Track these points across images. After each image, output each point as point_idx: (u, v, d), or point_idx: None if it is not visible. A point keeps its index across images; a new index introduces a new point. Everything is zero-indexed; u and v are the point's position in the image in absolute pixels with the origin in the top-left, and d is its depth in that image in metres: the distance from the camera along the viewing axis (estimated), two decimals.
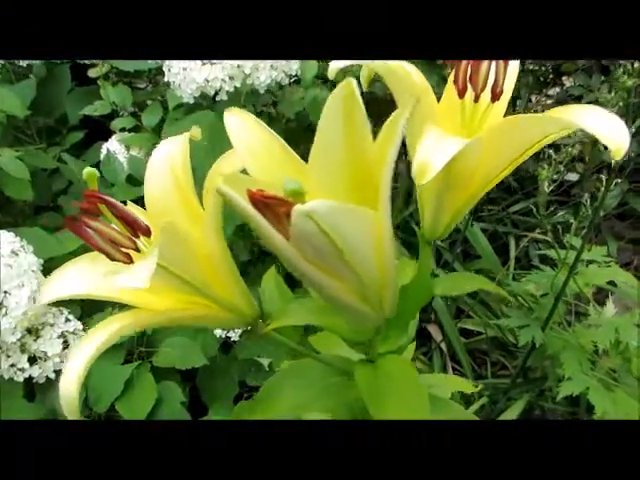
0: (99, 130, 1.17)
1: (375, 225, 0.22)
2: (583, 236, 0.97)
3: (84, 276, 0.32)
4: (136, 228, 0.32)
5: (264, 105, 1.09)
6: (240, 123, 0.27)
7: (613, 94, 0.69)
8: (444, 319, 1.17)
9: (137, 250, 0.32)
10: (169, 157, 0.36)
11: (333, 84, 1.04)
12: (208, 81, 0.80)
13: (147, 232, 0.33)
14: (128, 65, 1.06)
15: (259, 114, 1.08)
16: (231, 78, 0.81)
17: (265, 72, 0.81)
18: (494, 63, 0.34)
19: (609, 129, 0.29)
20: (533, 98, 1.45)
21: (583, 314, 1.19)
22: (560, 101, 1.46)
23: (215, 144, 0.96)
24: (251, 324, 0.37)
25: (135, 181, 1.04)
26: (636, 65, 0.66)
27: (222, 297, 0.34)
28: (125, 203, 0.39)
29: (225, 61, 0.79)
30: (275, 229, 0.21)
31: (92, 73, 1.09)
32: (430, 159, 0.26)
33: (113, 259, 0.32)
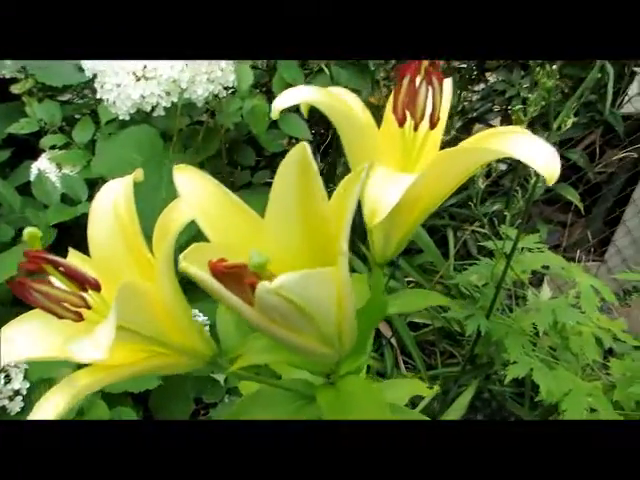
0: (25, 148, 1.12)
1: (335, 281, 0.23)
2: (518, 226, 1.01)
3: (36, 338, 0.31)
4: (85, 283, 0.32)
5: (201, 115, 1.07)
6: (191, 182, 0.26)
7: (535, 94, 0.72)
8: (393, 315, 1.19)
9: (88, 307, 0.31)
10: (112, 200, 0.35)
11: (270, 93, 1.04)
12: (144, 97, 0.78)
13: (97, 287, 0.32)
14: (56, 80, 1.02)
15: (197, 124, 1.06)
16: (167, 93, 0.79)
17: (202, 85, 0.79)
18: (430, 90, 0.35)
19: (544, 160, 0.30)
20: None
21: (522, 298, 1.26)
22: (485, 96, 1.52)
23: (150, 158, 0.94)
24: (211, 363, 0.37)
25: (70, 201, 1.00)
26: (554, 67, 0.70)
27: (180, 342, 0.34)
28: (66, 250, 0.38)
29: (161, 75, 0.77)
30: (239, 297, 0.21)
31: (15, 89, 1.03)
32: (380, 201, 0.27)
33: (62, 318, 0.31)
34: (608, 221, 1.71)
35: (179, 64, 0.78)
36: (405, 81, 0.34)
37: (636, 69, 1.45)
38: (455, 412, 1.16)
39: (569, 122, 0.80)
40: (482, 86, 1.51)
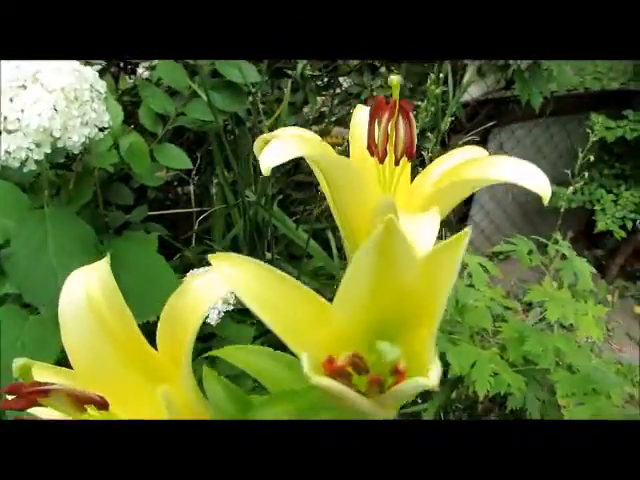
0: None
1: None
2: None
3: None
4: (89, 404, 0.27)
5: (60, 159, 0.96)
6: (243, 274, 0.23)
7: (426, 102, 0.76)
8: None
9: None
10: (85, 295, 0.30)
11: (142, 129, 0.97)
12: (9, 153, 0.68)
13: (105, 406, 0.27)
14: None
15: (57, 169, 0.96)
16: (38, 145, 0.69)
17: (76, 131, 0.71)
18: (403, 124, 0.35)
19: (536, 180, 0.32)
20: (320, 100, 1.54)
21: None
22: (342, 100, 1.58)
23: (23, 218, 0.82)
24: None
25: None
26: (441, 75, 0.74)
27: None
28: None
29: (27, 126, 0.67)
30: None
31: None
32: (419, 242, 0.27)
33: None
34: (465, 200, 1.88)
35: (47, 111, 0.69)
36: (384, 120, 0.33)
37: (467, 61, 1.60)
38: None
39: (448, 119, 0.86)
40: (338, 91, 1.56)
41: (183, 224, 1.47)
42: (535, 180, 0.32)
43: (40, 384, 0.25)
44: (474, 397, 1.65)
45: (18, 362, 0.24)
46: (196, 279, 0.27)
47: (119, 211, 1.12)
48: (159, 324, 0.29)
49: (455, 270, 0.21)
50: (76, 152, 0.76)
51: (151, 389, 0.30)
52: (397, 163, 0.35)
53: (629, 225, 1.96)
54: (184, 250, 1.35)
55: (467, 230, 0.22)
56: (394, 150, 0.34)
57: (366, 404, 0.20)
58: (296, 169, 1.66)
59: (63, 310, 0.30)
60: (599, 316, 1.36)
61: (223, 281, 0.26)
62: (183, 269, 1.08)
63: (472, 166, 0.34)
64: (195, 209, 1.39)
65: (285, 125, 1.52)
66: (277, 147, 0.30)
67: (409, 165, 0.38)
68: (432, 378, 0.18)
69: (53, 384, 0.26)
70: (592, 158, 1.25)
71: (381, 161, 0.35)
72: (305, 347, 0.23)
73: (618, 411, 1.24)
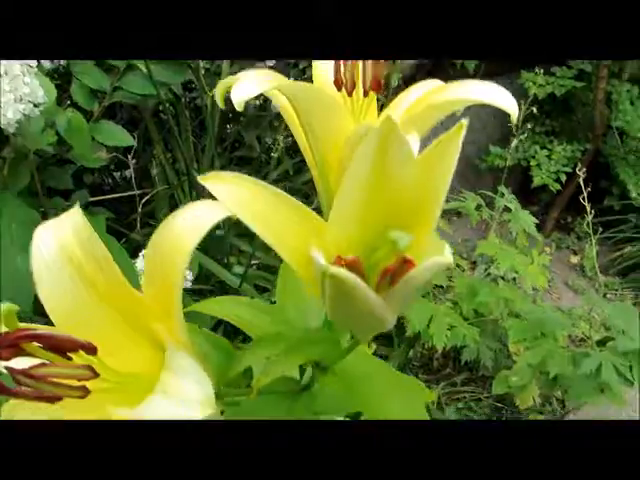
0: None
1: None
2: None
3: None
4: (78, 350, 0.25)
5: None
6: (234, 191, 0.22)
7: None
8: None
9: (96, 375, 0.25)
10: (59, 246, 0.28)
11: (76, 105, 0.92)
12: None
13: (93, 351, 0.26)
14: None
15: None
16: None
17: (10, 106, 0.67)
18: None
19: (504, 99, 0.33)
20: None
21: None
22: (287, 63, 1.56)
23: None
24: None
25: None
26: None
27: None
28: None
29: None
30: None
31: None
32: None
33: (57, 401, 0.25)
34: None
35: None
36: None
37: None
38: None
39: None
40: None
41: (125, 208, 1.42)
42: (503, 99, 0.33)
43: (24, 329, 0.23)
44: (429, 354, 1.71)
45: (2, 307, 0.23)
46: (180, 213, 0.26)
47: (57, 197, 1.07)
48: (144, 266, 0.28)
49: (453, 164, 0.21)
50: (12, 131, 0.71)
51: (138, 336, 0.29)
52: (366, 94, 0.35)
53: (563, 178, 2.05)
54: (130, 234, 1.31)
55: (463, 122, 0.22)
56: (362, 80, 0.34)
57: (376, 299, 0.19)
58: (240, 145, 1.63)
59: (37, 263, 0.28)
60: (543, 264, 1.42)
61: (211, 210, 0.25)
62: (131, 252, 1.04)
63: (443, 90, 0.34)
64: (137, 192, 1.35)
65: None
66: (249, 81, 0.29)
67: (375, 98, 0.37)
68: (447, 255, 0.18)
69: (37, 329, 0.24)
70: (535, 110, 1.29)
71: (349, 93, 0.35)
72: (302, 261, 0.23)
73: (565, 352, 1.32)
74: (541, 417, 1.52)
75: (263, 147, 1.61)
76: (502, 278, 1.61)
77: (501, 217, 1.41)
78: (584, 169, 1.14)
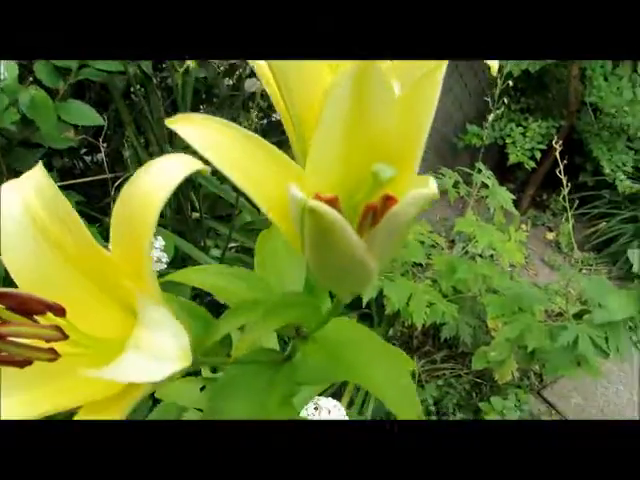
0: None
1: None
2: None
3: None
4: (46, 311, 0.24)
5: None
6: (205, 133, 0.20)
7: None
8: None
9: (65, 337, 0.24)
10: (22, 208, 0.27)
11: (40, 84, 0.88)
12: None
13: (62, 312, 0.24)
14: None
15: None
16: None
17: None
18: None
19: None
20: None
21: None
22: None
23: None
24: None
25: None
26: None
27: None
28: None
29: None
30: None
31: None
32: None
33: (28, 365, 0.23)
34: None
35: None
36: None
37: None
38: None
39: None
40: None
41: (97, 192, 1.39)
42: None
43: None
44: (409, 332, 1.72)
45: None
46: (149, 167, 0.25)
47: None
48: (111, 224, 0.26)
49: (434, 101, 0.20)
50: None
51: (109, 299, 0.28)
52: None
53: (538, 155, 2.07)
54: (103, 218, 1.28)
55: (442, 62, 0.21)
56: None
57: (358, 240, 0.18)
58: None
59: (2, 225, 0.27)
60: (520, 241, 1.44)
61: (181, 162, 0.23)
62: (105, 237, 1.02)
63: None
64: (110, 175, 1.31)
65: (196, 79, 1.45)
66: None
67: None
68: (431, 186, 0.17)
69: (2, 290, 0.23)
70: (511, 83, 1.29)
71: None
72: (279, 208, 0.22)
73: (542, 326, 1.33)
74: (520, 391, 1.55)
75: None
76: (480, 255, 1.62)
77: (479, 194, 1.41)
78: (560, 142, 1.14)
